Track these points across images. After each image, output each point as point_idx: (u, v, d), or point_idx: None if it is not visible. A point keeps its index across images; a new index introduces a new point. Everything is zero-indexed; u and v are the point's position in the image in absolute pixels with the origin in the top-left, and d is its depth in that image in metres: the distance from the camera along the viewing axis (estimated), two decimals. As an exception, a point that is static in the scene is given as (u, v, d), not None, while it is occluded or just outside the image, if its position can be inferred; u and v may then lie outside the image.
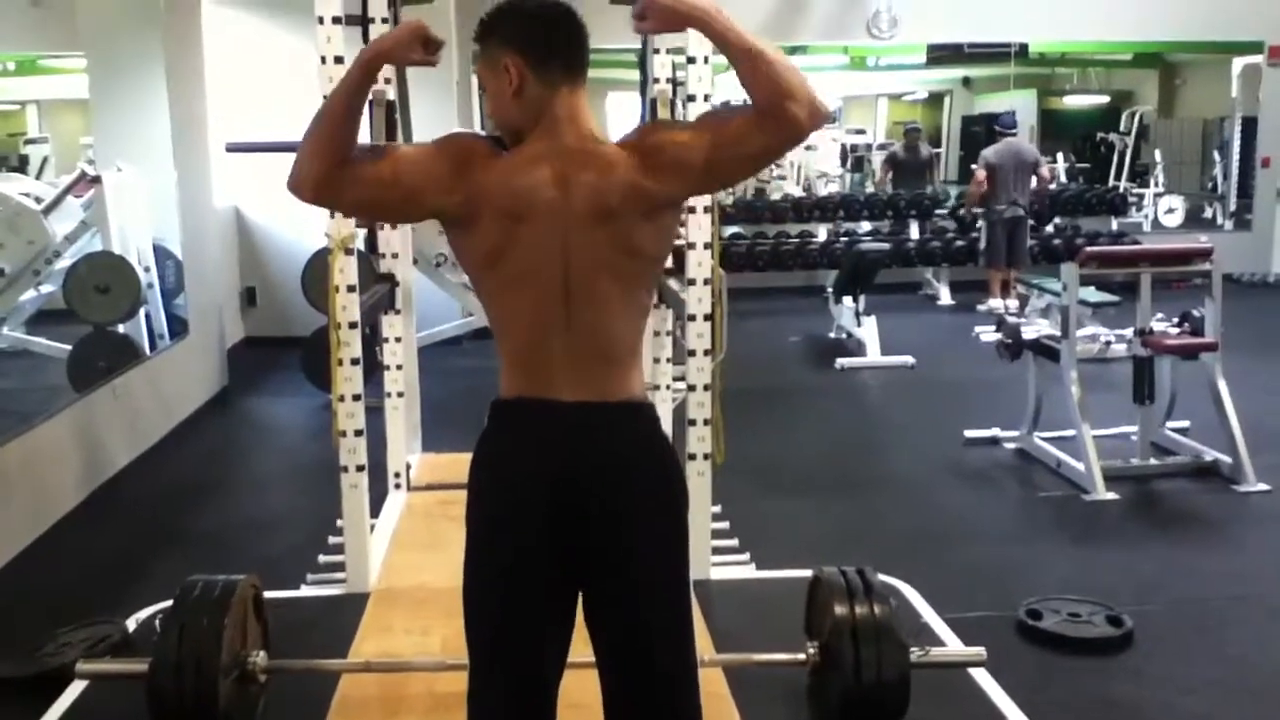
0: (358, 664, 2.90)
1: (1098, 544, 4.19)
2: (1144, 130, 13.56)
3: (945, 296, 9.60)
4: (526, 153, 1.79)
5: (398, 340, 4.30)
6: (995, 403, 5.73)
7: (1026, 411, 5.16)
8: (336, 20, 3.35)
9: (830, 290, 7.94)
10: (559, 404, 1.79)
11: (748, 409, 4.93)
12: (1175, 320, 5.04)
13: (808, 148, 13.46)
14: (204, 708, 2.42)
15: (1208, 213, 12.58)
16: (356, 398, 3.44)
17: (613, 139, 1.85)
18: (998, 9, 10.11)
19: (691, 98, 3.46)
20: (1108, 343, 5.24)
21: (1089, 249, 5.14)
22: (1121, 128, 13.50)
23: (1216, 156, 12.69)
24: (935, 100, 16.34)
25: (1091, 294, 5.72)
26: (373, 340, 4.52)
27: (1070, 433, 4.82)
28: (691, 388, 3.53)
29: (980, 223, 9.06)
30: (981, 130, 12.59)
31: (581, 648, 1.88)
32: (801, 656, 2.71)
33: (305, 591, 3.58)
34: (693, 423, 3.54)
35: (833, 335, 7.91)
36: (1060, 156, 13.05)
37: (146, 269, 5.87)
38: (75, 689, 2.93)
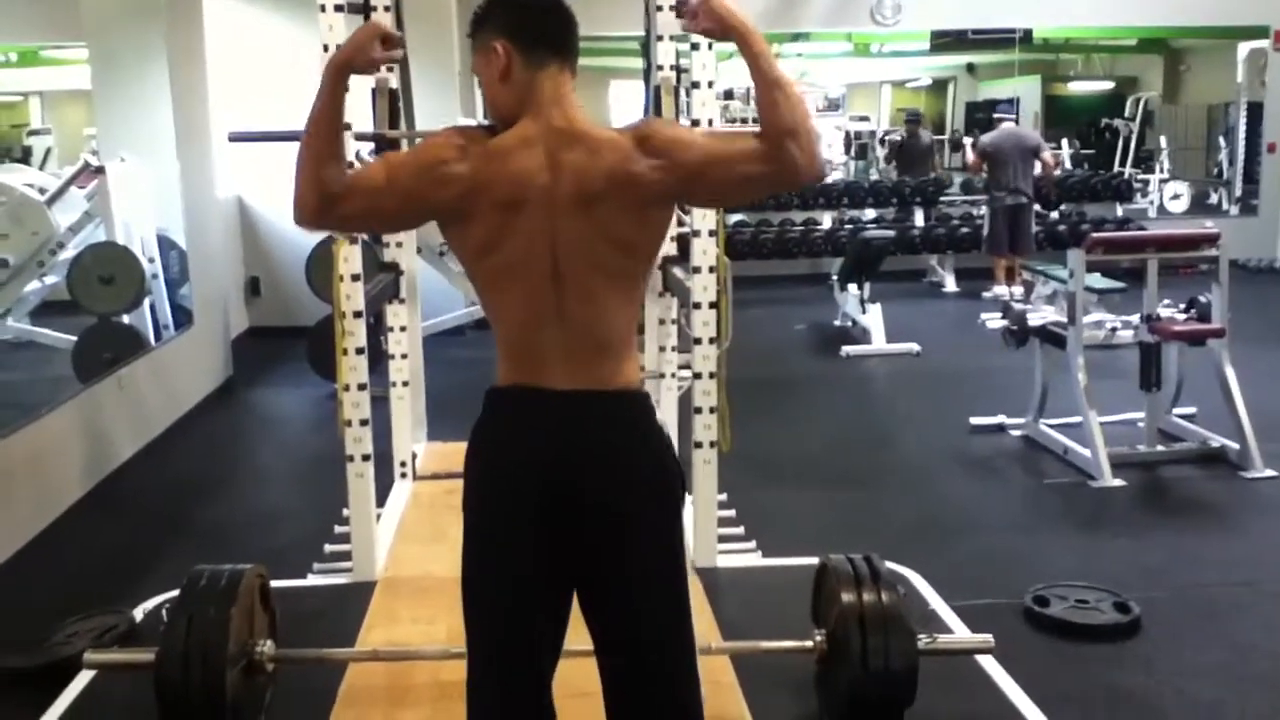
0: (365, 653, 2.90)
1: (1105, 531, 4.18)
2: (1149, 116, 13.51)
3: (950, 284, 9.58)
4: (515, 135, 1.79)
5: (402, 329, 4.30)
6: (1001, 390, 5.72)
7: (1032, 399, 5.15)
8: (339, 8, 3.34)
9: (835, 278, 7.92)
10: (552, 392, 1.79)
11: (753, 397, 4.92)
12: (1182, 306, 5.03)
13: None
14: (211, 697, 2.42)
15: (1213, 199, 12.54)
16: (362, 387, 3.44)
17: (615, 127, 1.86)
18: (1002, -6, 10.08)
19: (695, 84, 3.44)
20: (1114, 329, 5.23)
21: (1096, 235, 5.12)
22: (1126, 114, 13.46)
23: (1222, 142, 12.65)
24: (939, 87, 16.29)
25: (1097, 280, 5.70)
26: (377, 330, 4.51)
27: (1076, 419, 4.81)
28: (697, 375, 3.52)
29: (984, 208, 9.04)
30: (985, 116, 12.54)
31: (585, 635, 1.88)
32: (809, 644, 2.70)
33: (312, 581, 3.58)
34: (698, 411, 3.53)
35: (838, 323, 7.89)
36: (1065, 142, 13.01)
37: (150, 259, 5.87)
38: (83, 679, 2.94)
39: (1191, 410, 5.13)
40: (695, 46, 3.40)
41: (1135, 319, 4.96)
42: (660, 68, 4.06)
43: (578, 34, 1.85)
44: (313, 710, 2.70)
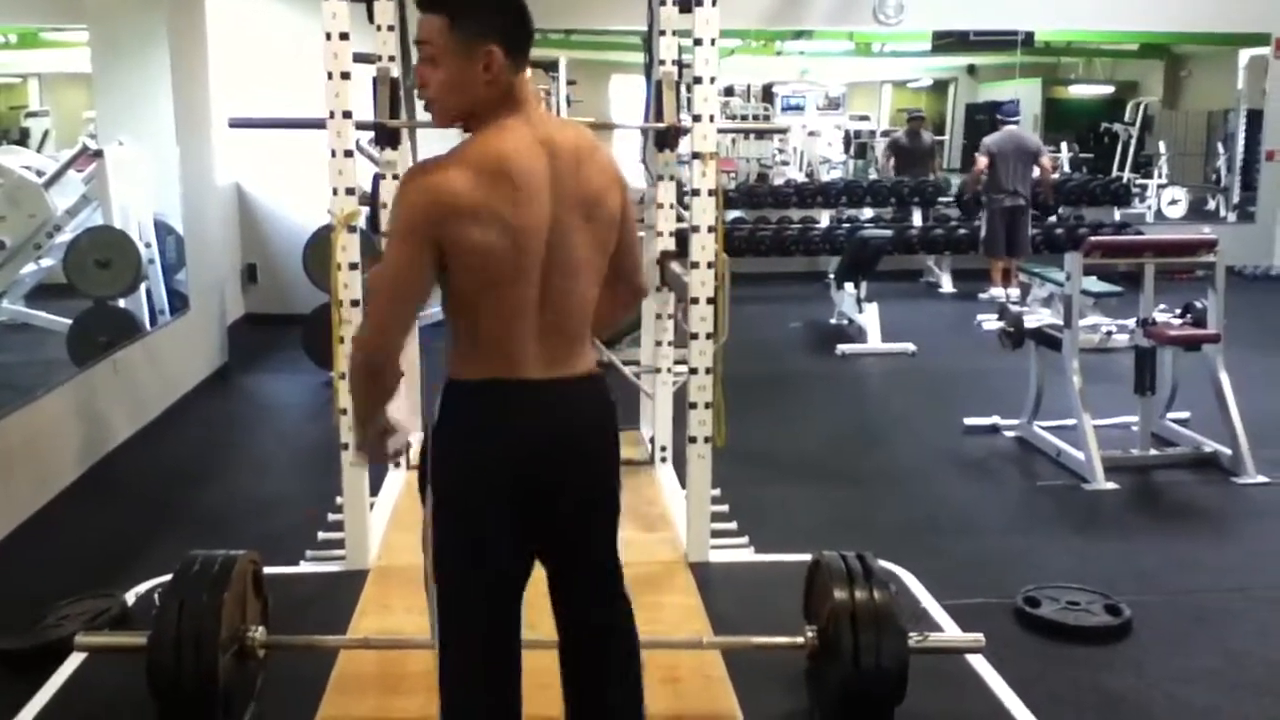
0: (357, 640, 2.90)
1: (1097, 534, 4.19)
2: (1148, 121, 13.53)
3: (947, 285, 9.59)
4: (511, 138, 1.84)
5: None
6: (996, 391, 5.73)
7: (1027, 400, 5.16)
8: (342, -5, 3.32)
9: (832, 276, 7.93)
10: (533, 383, 1.91)
11: (748, 394, 4.92)
12: (1178, 311, 5.04)
13: (811, 133, 13.45)
14: (203, 682, 2.42)
15: (1211, 205, 12.57)
16: (357, 375, 3.43)
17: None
18: (1005, -4, 10.07)
19: (698, 80, 3.44)
20: (1109, 333, 5.24)
21: (1093, 238, 5.13)
22: (1126, 118, 13.48)
23: (1220, 149, 12.67)
24: (940, 88, 16.30)
25: (1094, 284, 5.71)
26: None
27: (1070, 422, 4.82)
28: (693, 371, 3.53)
29: (982, 210, 9.04)
30: (986, 118, 12.56)
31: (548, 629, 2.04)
32: (800, 640, 2.71)
33: (305, 568, 3.58)
34: (694, 406, 3.53)
35: (834, 321, 7.90)
36: (1064, 146, 13.03)
37: (147, 244, 5.85)
38: (74, 661, 2.93)
39: (1185, 415, 5.15)
40: (698, 42, 3.40)
41: (1131, 323, 4.97)
42: (662, 62, 4.08)
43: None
44: (304, 697, 2.70)
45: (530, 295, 1.86)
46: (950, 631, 3.20)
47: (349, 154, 3.41)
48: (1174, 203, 12.18)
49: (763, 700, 2.77)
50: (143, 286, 5.78)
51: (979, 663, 2.99)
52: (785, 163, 13.08)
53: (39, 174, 5.90)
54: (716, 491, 3.77)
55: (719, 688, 2.76)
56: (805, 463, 5.00)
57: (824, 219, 10.44)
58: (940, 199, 10.61)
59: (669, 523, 3.89)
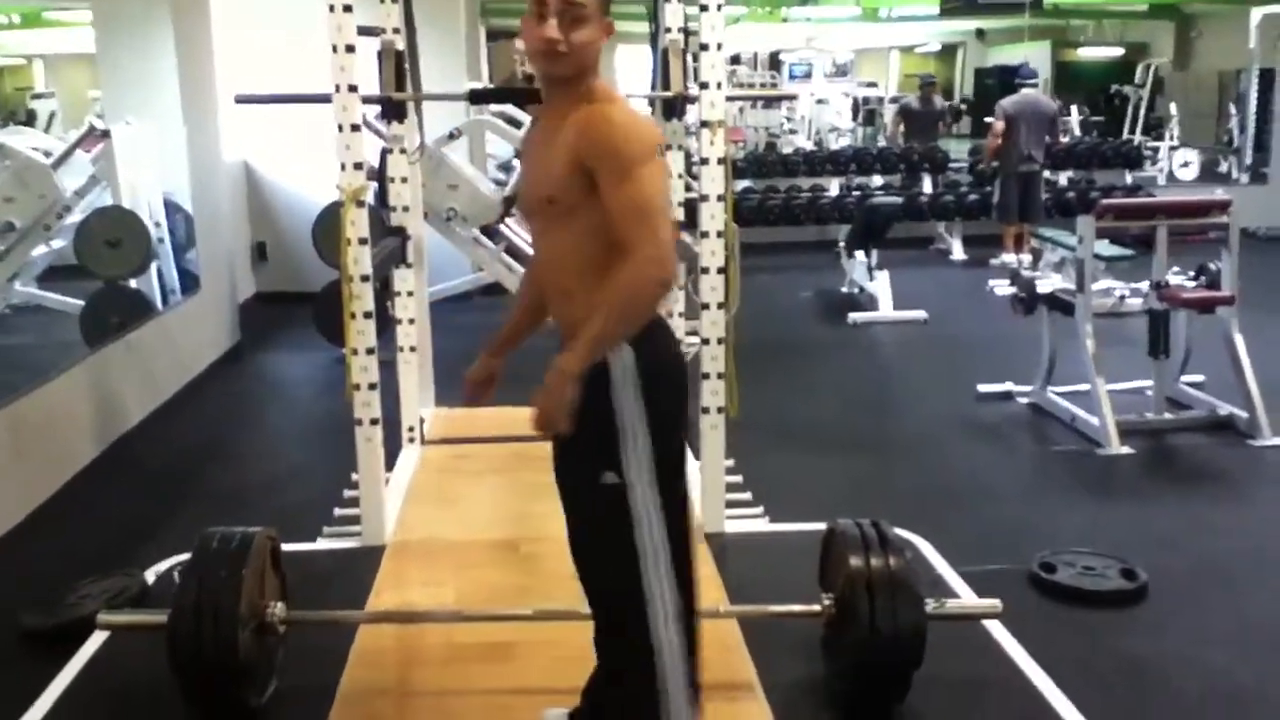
0: (376, 615, 2.92)
1: (1112, 499, 4.18)
2: (1159, 83, 13.40)
3: (958, 251, 9.54)
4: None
5: (409, 294, 4.29)
6: (1009, 358, 5.71)
7: (1040, 366, 5.14)
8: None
9: (842, 245, 7.89)
10: None
11: (760, 364, 4.92)
12: (1191, 274, 5.01)
13: (819, 101, 13.35)
14: (223, 658, 2.44)
15: (1223, 167, 12.46)
16: (370, 351, 3.44)
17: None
18: (1014, -42, 9.97)
19: (704, 47, 3.41)
20: (1122, 297, 5.20)
21: (1106, 201, 5.09)
22: (1136, 80, 13.35)
23: (1233, 109, 12.55)
24: (948, 52, 16.15)
25: (1106, 248, 5.67)
26: (384, 295, 4.51)
27: (1084, 387, 4.80)
28: (705, 341, 3.52)
29: (996, 176, 8.98)
30: (995, 83, 12.46)
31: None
32: (816, 608, 2.71)
33: (321, 545, 3.60)
34: (706, 376, 3.53)
35: (845, 290, 7.87)
36: (1074, 109, 12.91)
37: (157, 224, 5.85)
38: (96, 640, 2.96)
39: (1200, 378, 5.12)
40: (704, 8, 3.37)
41: (1144, 286, 4.94)
42: (668, 30, 4.04)
43: None
44: (324, 671, 2.72)
45: None
46: (966, 598, 3.21)
47: (356, 128, 3.39)
48: (1186, 165, 12.09)
49: (780, 668, 2.78)
50: (153, 266, 5.78)
51: (996, 628, 2.99)
52: (793, 131, 13.00)
53: (47, 155, 5.90)
54: (730, 462, 3.77)
55: (736, 656, 2.77)
56: (819, 432, 4.99)
57: (833, 187, 10.38)
58: (950, 164, 10.54)
59: (683, 493, 3.89)
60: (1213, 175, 12.12)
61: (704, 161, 3.46)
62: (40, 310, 5.99)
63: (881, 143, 12.17)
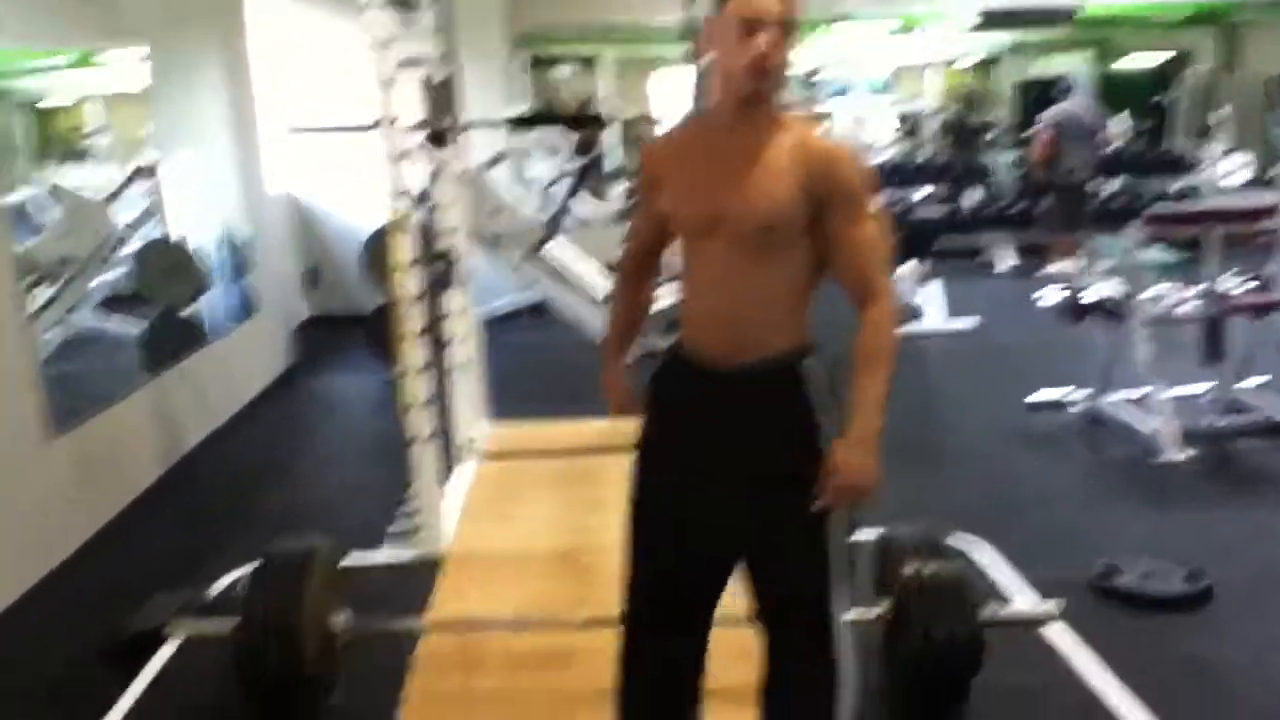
0: (438, 624, 2.95)
1: (1171, 505, 4.12)
2: (1204, 89, 13.24)
3: (1005, 262, 9.47)
4: None
5: (458, 314, 4.34)
6: (1059, 367, 5.65)
7: (1093, 374, 5.09)
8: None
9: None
10: None
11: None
12: (1245, 278, 4.94)
13: (858, 118, 13.32)
14: (289, 667, 2.48)
15: (1271, 172, 12.27)
16: (422, 370, 3.49)
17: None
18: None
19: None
20: (1175, 303, 5.14)
21: (1153, 210, 5.05)
22: (1181, 87, 13.21)
23: (1281, 114, 12.38)
24: (987, 65, 16.08)
25: (1156, 253, 5.61)
26: (434, 315, 4.57)
27: (1138, 394, 4.75)
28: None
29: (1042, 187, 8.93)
30: (1037, 96, 12.37)
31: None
32: (873, 614, 2.71)
33: (380, 557, 3.63)
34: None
35: (891, 303, 7.83)
36: (1118, 118, 12.80)
37: (209, 253, 5.98)
38: (166, 651, 3.02)
39: (1266, 378, 5.03)
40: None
41: (1197, 291, 4.89)
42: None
43: None
44: (386, 680, 2.75)
45: None
46: (1024, 602, 3.18)
47: (403, 156, 3.46)
48: (1233, 170, 11.91)
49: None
50: (207, 294, 5.90)
51: (1057, 634, 2.97)
52: (833, 147, 12.97)
53: (100, 190, 6.05)
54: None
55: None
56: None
57: (879, 200, 10.35)
58: (993, 176, 10.49)
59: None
60: (1261, 180, 11.94)
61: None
62: (99, 339, 6.12)
63: (925, 155, 12.12)
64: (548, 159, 7.23)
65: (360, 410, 6.05)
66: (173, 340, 5.58)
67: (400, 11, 3.58)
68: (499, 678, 2.74)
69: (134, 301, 5.79)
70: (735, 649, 2.19)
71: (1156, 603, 3.21)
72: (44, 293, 5.25)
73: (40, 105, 5.71)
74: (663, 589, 2.04)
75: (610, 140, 9.85)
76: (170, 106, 5.98)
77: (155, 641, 3.00)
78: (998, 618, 2.71)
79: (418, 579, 3.40)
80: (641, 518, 2.04)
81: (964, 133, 10.74)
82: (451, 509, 3.86)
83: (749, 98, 1.89)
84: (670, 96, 11.38)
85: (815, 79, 14.78)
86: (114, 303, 6.11)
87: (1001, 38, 13.99)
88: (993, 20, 11.33)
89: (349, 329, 6.85)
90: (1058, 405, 5.26)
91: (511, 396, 4.86)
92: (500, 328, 6.59)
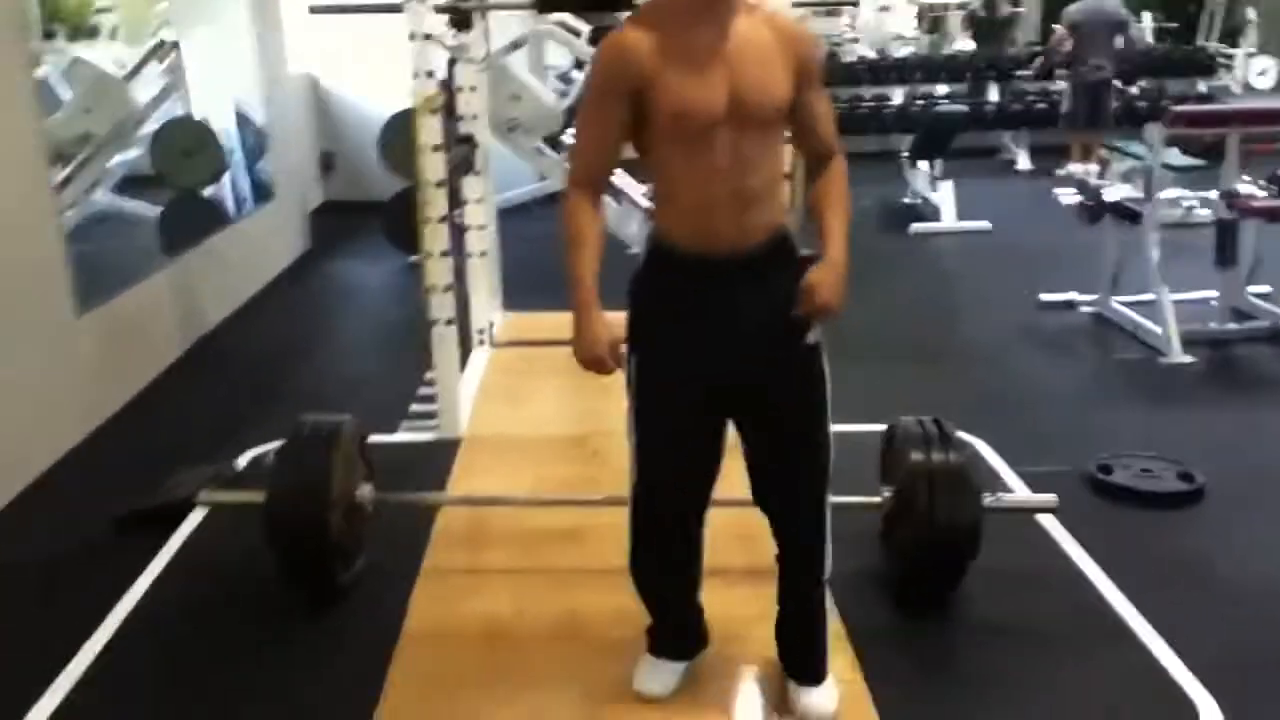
0: (457, 498, 3.07)
1: (1173, 406, 4.20)
2: (1237, -13, 12.89)
3: (1024, 161, 9.40)
4: None
5: (478, 201, 4.38)
6: (1072, 267, 5.67)
7: (1105, 275, 5.11)
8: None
9: (906, 154, 7.82)
10: None
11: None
12: (1262, 183, 4.93)
13: (882, 8, 13.02)
14: (316, 536, 2.60)
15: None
16: (444, 254, 3.54)
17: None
18: None
19: None
20: (1191, 207, 5.14)
21: (1177, 109, 5.00)
22: (1213, -15, 12.85)
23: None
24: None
25: (1176, 157, 5.59)
26: (452, 203, 4.59)
27: (1148, 297, 4.79)
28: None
29: (1061, 84, 8.79)
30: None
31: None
32: (877, 500, 2.80)
33: (400, 437, 3.74)
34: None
35: (907, 200, 7.82)
36: (1147, 16, 12.49)
37: (228, 134, 5.97)
38: (195, 519, 3.15)
39: (1267, 289, 5.07)
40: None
41: (1213, 194, 4.88)
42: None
43: None
44: (407, 551, 2.88)
45: None
46: (1023, 493, 3.27)
47: (428, 37, 3.45)
48: (1263, 73, 11.66)
49: (839, 560, 2.87)
50: (226, 176, 5.92)
51: (1051, 524, 3.06)
52: (855, 40, 12.71)
53: (120, 66, 6.01)
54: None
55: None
56: (879, 340, 5.01)
57: (898, 96, 10.20)
58: (1018, 73, 10.31)
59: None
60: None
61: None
62: (119, 219, 6.16)
63: (947, 50, 11.90)
64: (569, 43, 7.12)
65: (379, 296, 6.12)
66: (192, 220, 5.62)
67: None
68: (514, 551, 2.86)
69: (151, 182, 5.81)
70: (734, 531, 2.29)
71: (1150, 498, 3.29)
72: (62, 171, 5.29)
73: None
74: (675, 465, 2.14)
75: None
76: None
77: (184, 510, 3.12)
78: (999, 505, 2.79)
79: (437, 456, 3.52)
80: (655, 407, 2.10)
81: (989, 26, 10.50)
82: (468, 392, 3.95)
83: None
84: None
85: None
86: (130, 183, 6.14)
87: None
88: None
89: (364, 216, 6.86)
90: (1069, 305, 5.30)
91: (522, 288, 4.92)
92: (514, 218, 6.61)
